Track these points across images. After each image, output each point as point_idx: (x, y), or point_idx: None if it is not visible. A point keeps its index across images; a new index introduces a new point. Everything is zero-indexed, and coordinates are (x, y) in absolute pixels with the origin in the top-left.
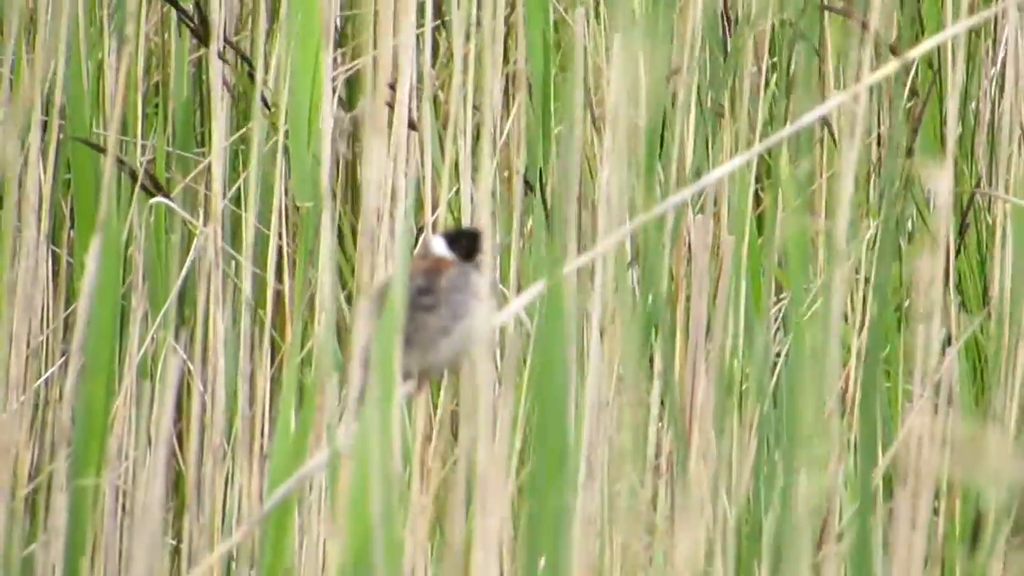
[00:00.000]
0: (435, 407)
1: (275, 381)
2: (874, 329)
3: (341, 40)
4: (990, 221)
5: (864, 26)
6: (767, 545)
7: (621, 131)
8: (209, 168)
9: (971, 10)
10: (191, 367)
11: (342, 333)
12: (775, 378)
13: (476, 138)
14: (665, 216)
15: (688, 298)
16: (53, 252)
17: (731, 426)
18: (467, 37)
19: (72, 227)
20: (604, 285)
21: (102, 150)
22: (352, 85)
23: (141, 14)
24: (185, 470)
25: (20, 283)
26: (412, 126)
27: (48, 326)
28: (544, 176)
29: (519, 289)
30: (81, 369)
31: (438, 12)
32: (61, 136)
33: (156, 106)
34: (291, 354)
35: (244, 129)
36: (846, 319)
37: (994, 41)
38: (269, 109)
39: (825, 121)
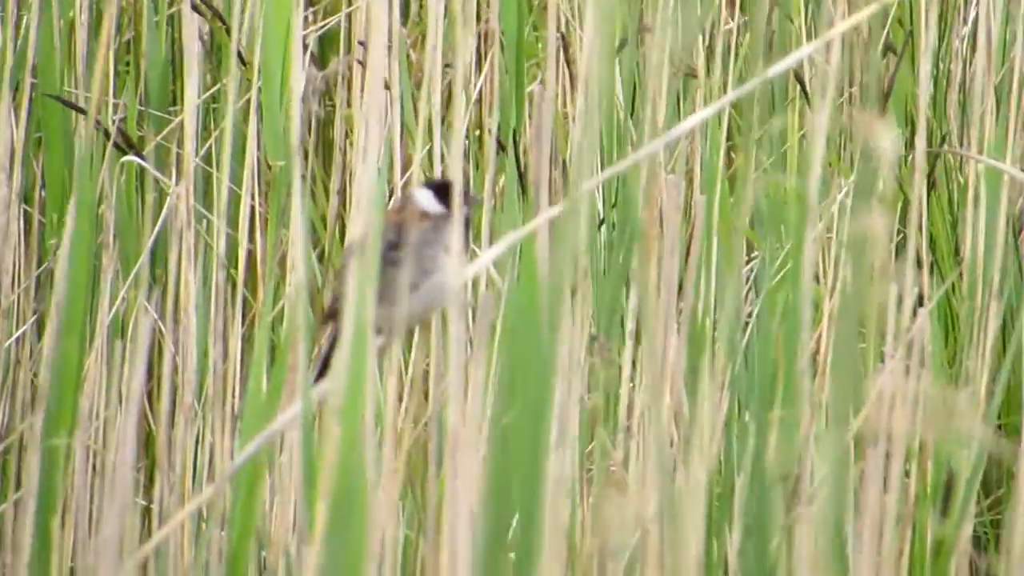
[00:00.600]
0: (406, 366)
1: (247, 340)
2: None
3: None
4: (962, 181)
5: None
6: (738, 507)
7: (594, 90)
8: (181, 126)
9: None
10: (163, 327)
11: (313, 292)
12: (746, 338)
13: (448, 97)
14: (637, 175)
15: (660, 258)
16: (25, 211)
17: (703, 386)
18: None
19: (43, 186)
20: (576, 244)
21: (75, 107)
22: (325, 43)
23: None
24: (156, 430)
25: None
26: (384, 85)
27: (19, 285)
28: (517, 135)
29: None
30: (54, 328)
31: None
32: (32, 94)
33: (128, 64)
34: (263, 313)
35: (217, 87)
36: (818, 280)
37: (965, 1)
38: (244, 64)
39: (798, 79)
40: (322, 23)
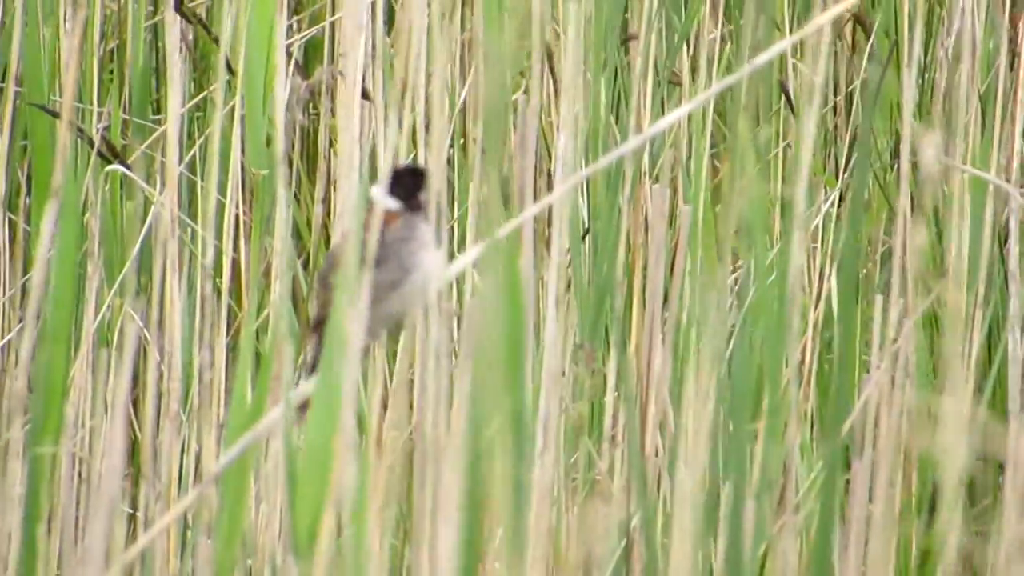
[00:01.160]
0: (390, 375)
1: (232, 349)
2: (841, 300)
3: (297, 7)
4: (946, 191)
5: None
6: (724, 516)
7: (577, 98)
8: (165, 135)
9: None
10: (148, 335)
11: (298, 301)
12: (730, 347)
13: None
14: (621, 184)
15: (645, 267)
16: (9, 219)
17: (688, 396)
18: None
19: (28, 194)
20: (560, 254)
21: (59, 116)
22: (309, 52)
23: None
24: (141, 438)
25: None
26: (366, 95)
27: (4, 293)
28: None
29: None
30: (38, 336)
31: None
32: (17, 103)
33: (112, 72)
34: (247, 322)
35: (201, 96)
36: (804, 290)
37: (949, 11)
38: (232, 73)
39: (783, 89)
40: (306, 32)
